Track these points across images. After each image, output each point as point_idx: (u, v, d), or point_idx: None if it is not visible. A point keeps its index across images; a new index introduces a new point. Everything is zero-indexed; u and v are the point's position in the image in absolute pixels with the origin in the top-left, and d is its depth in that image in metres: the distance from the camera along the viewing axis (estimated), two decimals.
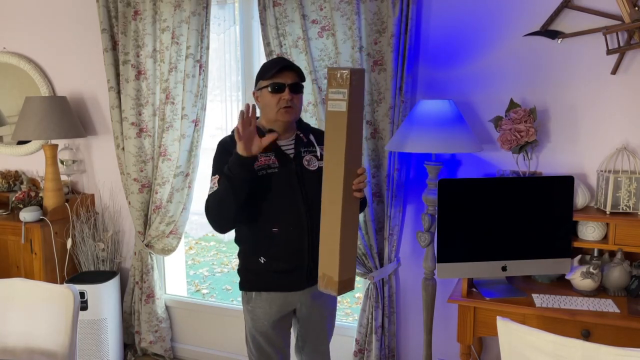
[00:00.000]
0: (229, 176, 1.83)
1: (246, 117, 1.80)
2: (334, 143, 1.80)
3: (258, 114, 2.07)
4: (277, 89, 1.90)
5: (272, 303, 2.03)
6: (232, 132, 2.04)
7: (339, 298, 2.27)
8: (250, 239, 2.01)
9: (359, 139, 1.84)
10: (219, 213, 1.90)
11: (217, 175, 1.93)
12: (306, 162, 1.99)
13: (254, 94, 2.01)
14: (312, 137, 2.05)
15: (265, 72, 1.94)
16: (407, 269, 2.82)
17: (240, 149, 1.81)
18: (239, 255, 2.09)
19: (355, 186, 1.81)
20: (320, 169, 1.96)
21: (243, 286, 2.08)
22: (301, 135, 2.02)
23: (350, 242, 1.84)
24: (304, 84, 1.98)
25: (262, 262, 1.98)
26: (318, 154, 2.01)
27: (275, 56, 2.71)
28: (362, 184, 1.82)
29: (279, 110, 1.92)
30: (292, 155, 1.98)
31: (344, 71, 1.75)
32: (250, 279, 2.05)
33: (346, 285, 1.86)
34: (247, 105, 1.82)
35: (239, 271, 2.09)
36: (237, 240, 2.07)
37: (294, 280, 2.00)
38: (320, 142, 2.02)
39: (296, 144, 2.00)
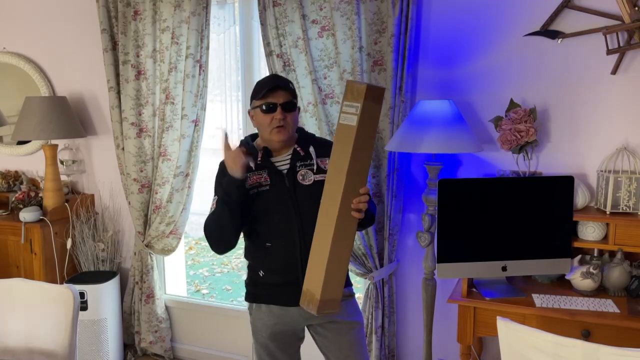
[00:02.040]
0: (224, 199, 1.89)
1: (225, 144, 1.87)
2: (338, 157, 1.75)
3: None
4: (269, 109, 1.90)
5: (271, 315, 2.01)
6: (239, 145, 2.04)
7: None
8: (251, 254, 2.04)
9: (367, 157, 1.78)
10: (218, 236, 1.96)
11: (216, 197, 1.97)
12: (300, 177, 1.95)
13: (249, 112, 2.00)
14: (311, 150, 1.99)
15: (257, 92, 1.93)
16: (407, 269, 2.82)
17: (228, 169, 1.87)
18: (247, 268, 2.10)
19: (355, 205, 1.75)
20: (316, 183, 1.95)
21: (245, 298, 2.09)
22: (298, 149, 1.98)
23: (340, 262, 1.76)
24: (296, 101, 1.96)
25: (261, 275, 2.00)
26: (315, 167, 1.97)
27: (275, 56, 2.71)
28: (362, 204, 1.76)
29: (272, 131, 1.91)
30: (285, 171, 1.95)
31: (361, 85, 1.71)
32: (251, 291, 2.07)
33: (328, 306, 1.77)
34: (226, 136, 1.89)
35: (245, 283, 2.11)
36: (245, 254, 2.09)
37: (291, 294, 1.95)
38: (321, 154, 1.99)
39: (292, 159, 1.97)
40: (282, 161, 1.98)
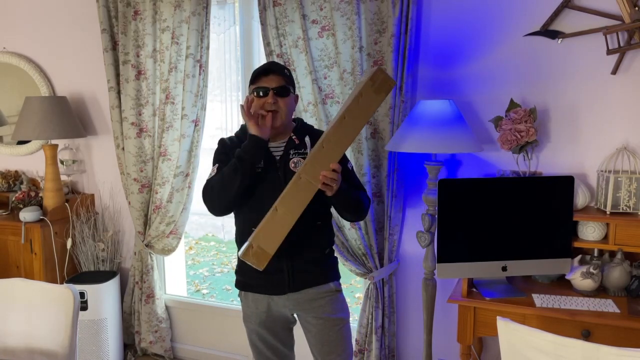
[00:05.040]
0: (242, 157, 1.88)
1: (250, 100, 1.92)
2: (328, 128, 1.88)
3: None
4: (262, 94, 1.93)
5: (258, 304, 2.05)
6: (236, 133, 2.09)
7: None
8: (239, 240, 2.06)
9: (350, 134, 1.85)
10: (219, 193, 1.93)
11: (217, 164, 2.00)
12: (292, 165, 1.98)
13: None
14: (307, 139, 2.02)
15: (251, 77, 1.97)
16: (407, 269, 2.82)
17: (253, 129, 1.89)
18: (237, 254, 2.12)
19: (321, 178, 1.80)
20: None
21: (235, 284, 2.13)
22: (294, 137, 2.01)
23: (281, 222, 1.81)
24: (290, 87, 1.98)
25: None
26: None
27: (275, 56, 2.71)
28: (327, 179, 1.80)
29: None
30: (278, 157, 1.98)
31: (373, 68, 1.89)
32: (239, 279, 2.10)
33: (255, 254, 1.82)
34: (247, 97, 1.94)
35: (234, 271, 2.14)
36: (235, 238, 2.11)
37: (275, 282, 1.98)
38: None
39: (286, 146, 2.00)
40: (277, 147, 2.00)
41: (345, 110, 1.84)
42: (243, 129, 2.07)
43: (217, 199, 1.94)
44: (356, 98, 1.84)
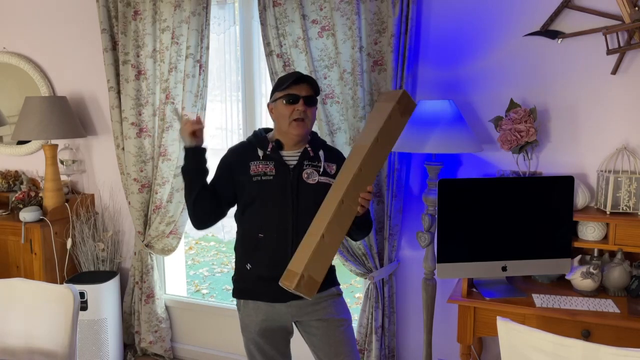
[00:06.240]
0: (184, 169, 2.00)
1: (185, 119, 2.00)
2: (360, 144, 1.91)
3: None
4: (292, 101, 1.93)
5: (259, 312, 2.02)
6: (248, 138, 2.09)
7: None
8: (241, 246, 2.05)
9: (382, 157, 1.91)
10: (189, 211, 2.03)
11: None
12: (306, 175, 1.98)
13: (268, 105, 2.04)
14: (321, 153, 2.03)
15: (280, 84, 1.97)
16: (407, 269, 2.82)
17: (193, 141, 1.98)
18: (235, 263, 2.11)
19: (361, 200, 1.84)
20: (319, 184, 1.98)
21: (233, 294, 2.10)
22: (309, 149, 2.01)
23: (329, 248, 1.81)
24: (317, 98, 2.00)
25: (249, 268, 2.00)
26: (321, 169, 2.00)
27: (275, 56, 2.71)
28: (365, 201, 1.85)
29: (291, 123, 1.94)
30: (292, 167, 1.98)
31: (398, 90, 1.98)
32: (239, 287, 2.08)
33: (306, 285, 1.77)
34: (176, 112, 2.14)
35: (232, 279, 2.12)
36: (235, 246, 2.10)
37: (277, 290, 1.92)
38: (328, 159, 2.03)
39: (301, 157, 2.00)
40: (291, 157, 2.00)
41: (378, 133, 1.87)
42: (255, 134, 2.07)
43: (191, 216, 2.02)
44: (387, 121, 1.88)
